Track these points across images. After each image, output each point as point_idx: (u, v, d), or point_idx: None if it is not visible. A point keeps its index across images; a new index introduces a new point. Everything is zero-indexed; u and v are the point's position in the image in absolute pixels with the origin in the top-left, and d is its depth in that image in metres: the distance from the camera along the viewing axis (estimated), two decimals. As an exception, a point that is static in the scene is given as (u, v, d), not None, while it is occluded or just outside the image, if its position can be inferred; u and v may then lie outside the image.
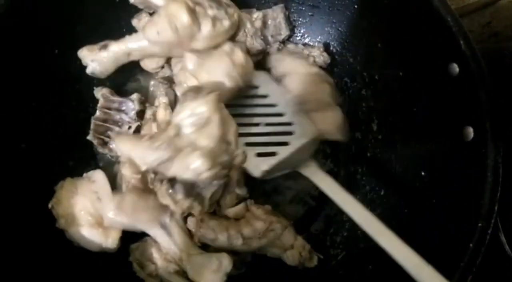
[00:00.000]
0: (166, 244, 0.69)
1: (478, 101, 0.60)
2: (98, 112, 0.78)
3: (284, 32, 0.85)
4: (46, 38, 0.74)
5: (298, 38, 0.89)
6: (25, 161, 0.71)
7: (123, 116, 0.78)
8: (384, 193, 0.78)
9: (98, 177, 0.72)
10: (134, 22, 0.81)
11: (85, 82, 0.80)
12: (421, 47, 0.70)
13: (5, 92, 0.69)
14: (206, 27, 0.69)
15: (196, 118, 0.61)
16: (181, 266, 0.69)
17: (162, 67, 0.82)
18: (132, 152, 0.62)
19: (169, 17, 0.67)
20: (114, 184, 0.75)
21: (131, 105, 0.78)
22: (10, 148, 0.69)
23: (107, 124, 0.78)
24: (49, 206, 0.69)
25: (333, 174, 0.85)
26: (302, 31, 0.88)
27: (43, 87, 0.75)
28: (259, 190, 0.80)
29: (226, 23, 0.71)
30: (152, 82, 0.83)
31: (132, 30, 0.81)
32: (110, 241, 0.69)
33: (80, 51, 0.76)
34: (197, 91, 0.63)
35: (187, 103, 0.62)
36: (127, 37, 0.76)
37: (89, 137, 0.77)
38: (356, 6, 0.79)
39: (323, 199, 0.84)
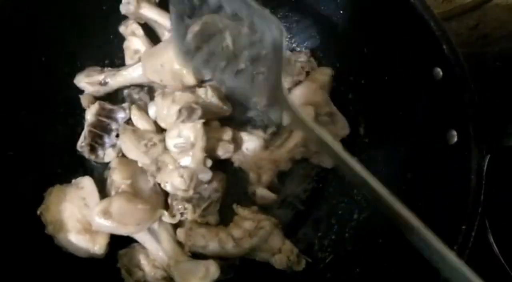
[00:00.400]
0: (154, 250, 0.70)
1: (462, 105, 0.61)
2: (92, 119, 0.78)
3: None
4: (34, 45, 0.74)
5: (285, 43, 0.89)
6: (13, 168, 0.71)
7: (113, 124, 0.78)
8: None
9: (86, 183, 0.72)
10: (122, 29, 0.81)
11: (73, 88, 0.80)
12: (405, 52, 0.70)
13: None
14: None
15: (182, 141, 0.69)
16: (168, 272, 0.69)
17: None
18: (130, 152, 0.74)
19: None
20: (104, 190, 0.75)
21: (122, 114, 0.78)
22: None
23: (98, 131, 0.78)
24: (38, 212, 0.69)
25: (321, 178, 0.86)
26: (288, 36, 0.89)
27: (31, 94, 0.75)
28: (247, 194, 0.80)
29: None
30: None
31: (118, 35, 0.82)
32: (97, 247, 0.69)
33: (78, 80, 0.79)
34: (190, 111, 0.69)
35: (177, 125, 0.69)
36: (125, 72, 0.79)
37: (78, 143, 0.78)
38: (341, 12, 0.79)
39: (311, 202, 0.85)
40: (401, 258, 0.65)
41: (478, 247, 0.72)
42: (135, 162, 0.74)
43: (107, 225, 0.66)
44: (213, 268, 0.67)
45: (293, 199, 0.85)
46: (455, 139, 0.62)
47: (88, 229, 0.69)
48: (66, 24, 0.76)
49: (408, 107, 0.72)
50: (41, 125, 0.77)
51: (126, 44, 0.81)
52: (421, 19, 0.64)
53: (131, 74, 0.78)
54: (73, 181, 0.74)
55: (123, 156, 0.77)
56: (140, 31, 0.79)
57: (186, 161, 0.69)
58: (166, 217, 0.70)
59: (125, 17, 0.81)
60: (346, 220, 0.80)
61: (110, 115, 0.79)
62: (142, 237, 0.70)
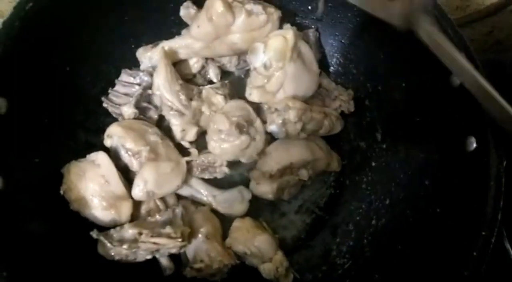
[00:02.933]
0: (194, 196, 0.78)
1: (480, 111, 0.61)
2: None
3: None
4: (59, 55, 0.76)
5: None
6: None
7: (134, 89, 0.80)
8: (389, 202, 0.78)
9: (102, 160, 0.73)
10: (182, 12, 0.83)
11: (93, 98, 0.82)
12: (422, 58, 0.70)
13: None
14: (240, 18, 0.74)
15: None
16: (211, 207, 0.79)
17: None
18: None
19: (206, 9, 0.73)
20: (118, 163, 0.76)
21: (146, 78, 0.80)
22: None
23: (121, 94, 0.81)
24: (61, 192, 0.71)
25: (338, 183, 0.87)
26: (306, 44, 0.89)
27: (54, 103, 0.76)
28: (264, 200, 0.81)
29: (262, 17, 0.75)
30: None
31: (139, 45, 0.84)
32: (123, 217, 0.71)
33: (137, 51, 0.83)
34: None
35: None
36: (176, 37, 0.82)
37: (104, 104, 0.80)
38: (358, 19, 0.80)
39: (329, 208, 0.86)
40: (420, 264, 0.66)
41: (495, 254, 0.72)
42: (137, 124, 0.76)
43: (150, 198, 0.72)
44: (245, 192, 0.79)
45: (311, 204, 0.86)
46: (474, 145, 0.62)
47: (112, 204, 0.71)
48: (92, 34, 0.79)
49: (425, 113, 0.73)
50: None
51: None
52: (438, 25, 0.64)
53: (179, 37, 0.82)
54: (88, 156, 0.74)
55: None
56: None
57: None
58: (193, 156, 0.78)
59: (151, 26, 0.84)
60: (364, 226, 0.80)
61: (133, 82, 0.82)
62: (182, 191, 0.77)
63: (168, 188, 0.73)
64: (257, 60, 0.76)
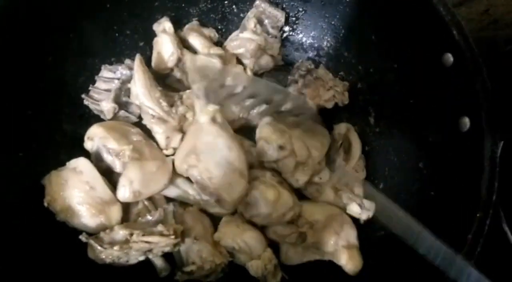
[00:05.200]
0: (181, 196, 0.74)
1: (474, 90, 0.60)
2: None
3: (280, 17, 0.84)
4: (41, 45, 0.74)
5: (292, 34, 0.89)
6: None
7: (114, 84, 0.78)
8: (383, 187, 0.78)
9: (84, 166, 0.70)
10: (155, 26, 0.82)
11: (79, 88, 0.80)
12: (414, 38, 0.69)
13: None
14: None
15: None
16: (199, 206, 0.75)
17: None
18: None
19: None
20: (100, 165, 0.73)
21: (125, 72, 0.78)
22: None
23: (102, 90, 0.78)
24: (45, 204, 0.68)
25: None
26: (295, 26, 0.88)
27: (37, 94, 0.74)
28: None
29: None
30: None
31: (124, 34, 0.82)
32: (113, 221, 0.69)
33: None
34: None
35: None
36: None
37: (85, 102, 0.78)
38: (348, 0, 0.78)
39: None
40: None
41: (493, 236, 0.71)
42: (118, 125, 0.75)
43: (137, 198, 0.69)
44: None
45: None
46: (468, 126, 0.61)
47: (101, 210, 0.68)
48: (73, 23, 0.76)
49: (418, 95, 0.71)
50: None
51: (155, 40, 0.81)
52: (429, 3, 0.63)
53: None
54: (68, 163, 0.72)
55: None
56: (171, 29, 0.80)
57: None
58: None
59: (134, 14, 0.82)
60: None
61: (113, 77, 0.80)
62: (168, 191, 0.73)
63: (155, 187, 0.70)
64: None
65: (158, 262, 0.71)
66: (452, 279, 0.55)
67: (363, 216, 0.73)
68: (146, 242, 0.64)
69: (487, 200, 0.57)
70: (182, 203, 0.75)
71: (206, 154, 0.68)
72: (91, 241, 0.64)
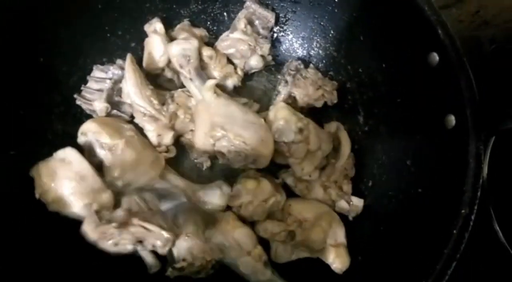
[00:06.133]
0: (172, 192, 0.76)
1: (459, 89, 0.61)
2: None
3: (271, 18, 0.85)
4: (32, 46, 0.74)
5: (282, 34, 0.90)
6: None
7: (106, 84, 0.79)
8: (371, 184, 0.79)
9: (72, 156, 0.70)
10: (146, 27, 0.83)
11: (71, 88, 0.81)
12: (401, 38, 0.70)
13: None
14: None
15: None
16: (190, 202, 0.76)
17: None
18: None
19: None
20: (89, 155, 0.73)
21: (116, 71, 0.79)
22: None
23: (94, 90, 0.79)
24: (36, 196, 0.68)
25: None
26: (285, 27, 0.89)
27: (30, 94, 0.75)
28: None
29: None
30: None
31: (115, 34, 0.83)
32: (105, 207, 0.69)
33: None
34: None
35: None
36: None
37: (77, 102, 0.78)
38: (336, 0, 0.79)
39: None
40: (402, 245, 0.66)
41: (484, 235, 0.72)
42: (112, 120, 0.76)
43: (126, 187, 0.70)
44: (225, 186, 0.78)
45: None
46: (453, 123, 0.62)
47: (93, 198, 0.68)
48: (64, 24, 0.76)
49: (406, 94, 0.72)
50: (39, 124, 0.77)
51: (147, 41, 0.82)
52: (415, 4, 0.64)
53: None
54: (54, 154, 0.71)
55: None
56: (162, 30, 0.81)
57: None
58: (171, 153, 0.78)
59: (126, 14, 0.82)
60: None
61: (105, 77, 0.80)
62: (159, 185, 0.75)
63: (143, 178, 0.72)
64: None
65: (149, 258, 0.71)
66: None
67: (352, 213, 0.74)
68: (144, 227, 0.65)
69: (472, 196, 0.58)
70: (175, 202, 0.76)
71: (228, 123, 0.71)
72: (93, 212, 0.65)
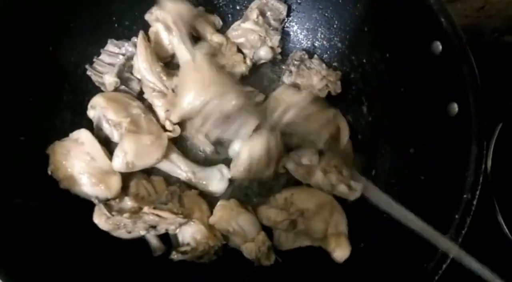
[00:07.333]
0: (174, 172, 0.78)
1: (461, 77, 0.61)
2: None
3: (283, 10, 0.86)
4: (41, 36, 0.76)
5: (287, 25, 0.90)
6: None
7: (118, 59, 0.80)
8: (375, 173, 0.79)
9: (85, 137, 0.73)
10: (147, 16, 0.83)
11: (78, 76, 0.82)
12: (405, 28, 0.71)
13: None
14: None
15: None
16: (192, 183, 0.79)
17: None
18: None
19: None
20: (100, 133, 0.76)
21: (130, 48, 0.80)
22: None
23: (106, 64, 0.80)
24: (49, 172, 0.71)
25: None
26: (290, 18, 0.89)
27: (39, 83, 0.76)
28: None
29: None
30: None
31: (125, 26, 0.84)
32: (113, 191, 0.71)
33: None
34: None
35: None
36: None
37: (88, 72, 0.80)
38: (341, -9, 0.80)
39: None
40: (404, 231, 0.66)
41: (488, 227, 0.73)
42: (120, 96, 0.77)
43: (130, 169, 0.72)
44: (225, 170, 0.79)
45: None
46: (456, 111, 0.62)
47: (101, 179, 0.71)
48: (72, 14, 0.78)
49: (409, 83, 0.73)
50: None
51: (150, 31, 0.83)
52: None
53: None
54: (70, 134, 0.75)
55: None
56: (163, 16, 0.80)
57: None
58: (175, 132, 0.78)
59: (133, 5, 0.83)
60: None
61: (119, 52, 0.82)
62: (161, 165, 0.77)
63: (148, 160, 0.73)
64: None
65: (153, 242, 0.73)
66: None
67: (351, 196, 0.75)
68: (157, 215, 0.67)
69: (474, 181, 0.58)
70: (180, 186, 0.77)
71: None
72: (101, 205, 0.67)
